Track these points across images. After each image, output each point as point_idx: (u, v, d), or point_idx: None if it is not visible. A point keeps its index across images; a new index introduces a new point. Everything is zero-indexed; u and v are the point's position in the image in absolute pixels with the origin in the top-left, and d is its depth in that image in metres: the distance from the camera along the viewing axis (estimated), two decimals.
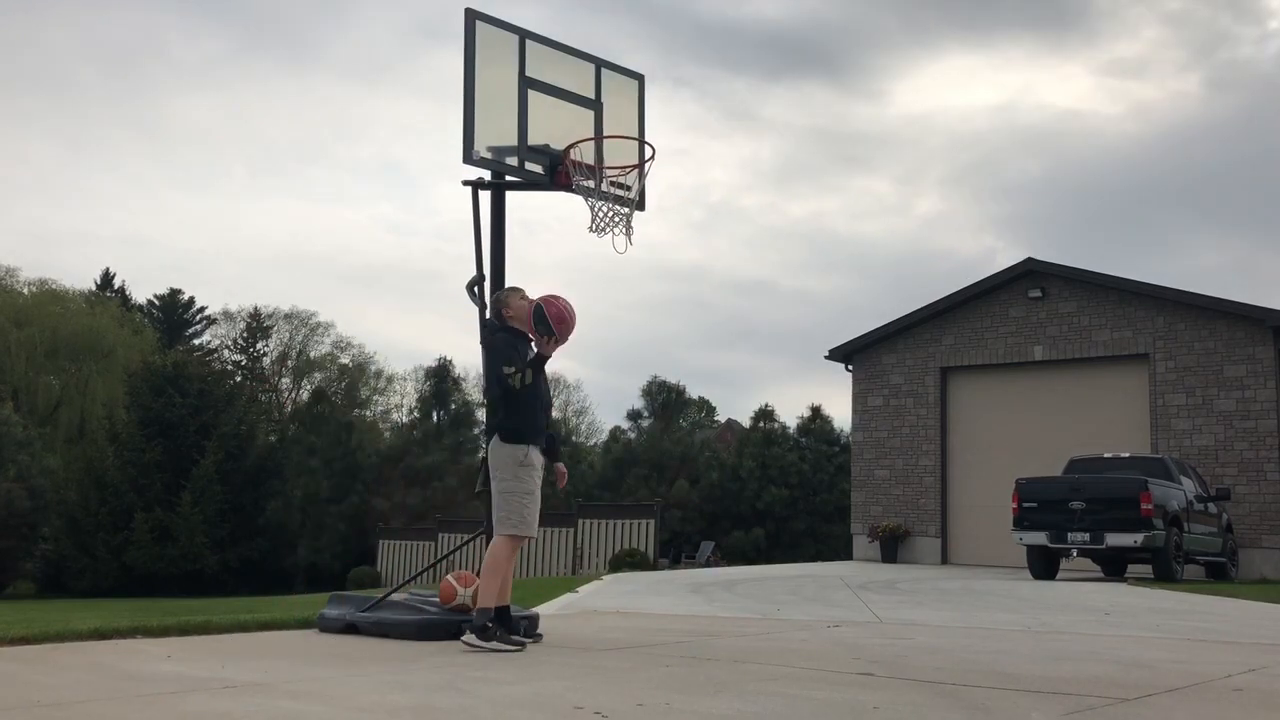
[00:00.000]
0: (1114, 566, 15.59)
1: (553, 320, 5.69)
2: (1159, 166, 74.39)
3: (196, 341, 53.19)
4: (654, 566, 19.93)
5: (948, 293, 20.91)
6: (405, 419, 44.02)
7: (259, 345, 52.71)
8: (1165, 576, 13.53)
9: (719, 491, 32.08)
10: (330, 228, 74.64)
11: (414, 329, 71.48)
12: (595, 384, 79.54)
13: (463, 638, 5.57)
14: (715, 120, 75.45)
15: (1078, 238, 76.61)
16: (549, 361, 5.89)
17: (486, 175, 6.54)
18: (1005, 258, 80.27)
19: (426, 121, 71.88)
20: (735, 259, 76.44)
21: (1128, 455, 15.62)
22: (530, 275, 65.90)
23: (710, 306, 74.40)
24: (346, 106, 73.61)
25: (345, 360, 52.74)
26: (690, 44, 75.09)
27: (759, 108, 74.64)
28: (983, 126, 73.42)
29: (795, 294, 75.75)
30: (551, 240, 73.97)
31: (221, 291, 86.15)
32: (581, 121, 6.88)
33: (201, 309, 55.05)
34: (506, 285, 6.37)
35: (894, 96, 73.12)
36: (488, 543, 6.39)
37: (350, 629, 6.20)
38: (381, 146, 75.79)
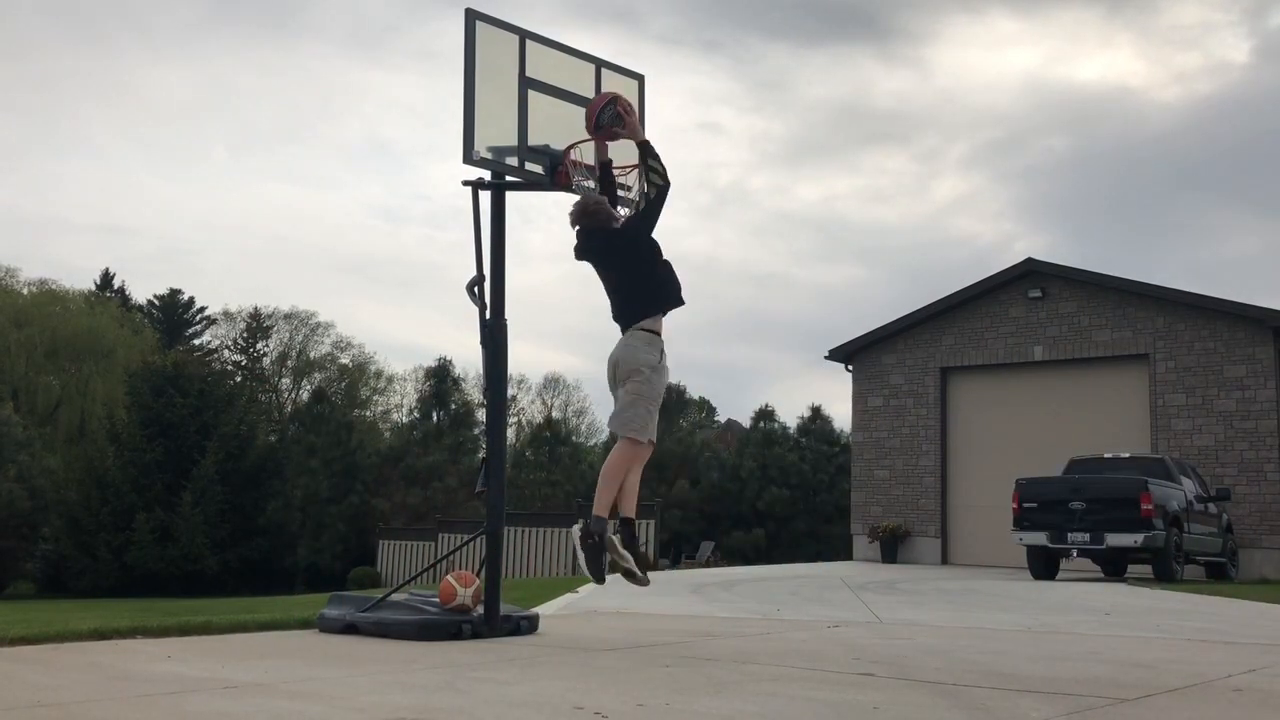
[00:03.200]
0: (1114, 567, 15.58)
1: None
2: (1197, 143, 70.86)
3: (196, 342, 53.26)
4: (654, 567, 19.92)
5: (950, 291, 20.94)
6: (405, 419, 44.08)
7: (259, 345, 52.75)
8: (1165, 577, 13.53)
9: (719, 492, 32.12)
10: (317, 214, 73.31)
11: (409, 321, 70.99)
12: (596, 382, 79.24)
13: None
14: (739, 93, 72.72)
15: (1102, 221, 73.74)
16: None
17: (486, 175, 6.54)
18: (1025, 245, 77.37)
19: (416, 97, 70.47)
20: (743, 247, 75.15)
21: (1128, 455, 15.63)
22: (525, 261, 65.40)
23: (715, 297, 73.45)
24: (331, 80, 71.50)
25: (345, 360, 52.80)
26: (716, 6, 72.27)
27: (781, 77, 72.11)
28: (1011, 100, 70.78)
29: (807, 283, 74.30)
30: (549, 226, 73.57)
31: (207, 281, 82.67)
32: (582, 121, 6.87)
33: (201, 309, 55.13)
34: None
35: (925, 65, 70.10)
36: (488, 543, 6.39)
37: (350, 629, 6.20)
38: (370, 125, 73.74)
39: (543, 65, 6.76)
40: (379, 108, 73.81)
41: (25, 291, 43.79)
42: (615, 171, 6.84)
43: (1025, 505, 14.18)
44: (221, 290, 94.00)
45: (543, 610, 7.78)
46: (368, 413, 49.49)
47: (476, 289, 6.46)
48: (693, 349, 65.37)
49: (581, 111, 6.95)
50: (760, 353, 74.69)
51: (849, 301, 72.98)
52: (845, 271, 75.45)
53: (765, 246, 75.39)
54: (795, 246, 75.55)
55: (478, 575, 6.43)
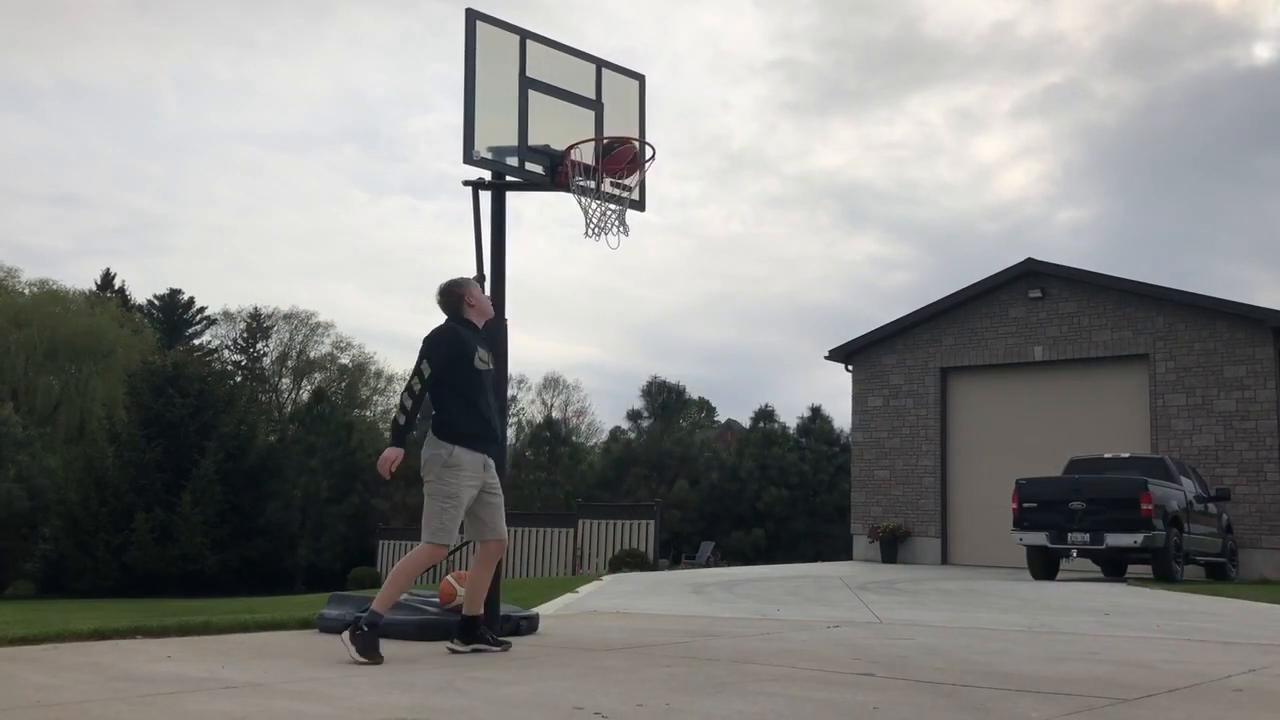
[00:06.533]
0: (1114, 567, 15.58)
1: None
2: None
3: (196, 342, 53.20)
4: (654, 567, 19.92)
5: (949, 292, 20.95)
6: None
7: (259, 345, 52.76)
8: (1165, 577, 13.52)
9: (719, 491, 32.10)
10: (298, 191, 70.95)
11: (396, 309, 70.29)
12: (595, 382, 78.93)
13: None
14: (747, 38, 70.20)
15: (1167, 187, 68.50)
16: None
17: (487, 175, 6.54)
18: (1066, 217, 73.03)
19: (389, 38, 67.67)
20: (757, 220, 72.94)
21: (1128, 455, 15.62)
22: (520, 244, 64.55)
23: (722, 278, 71.57)
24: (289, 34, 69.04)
25: (345, 360, 52.79)
26: None
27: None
28: (1074, 36, 67.01)
29: (823, 261, 72.49)
30: (545, 199, 72.75)
31: (179, 263, 75.28)
32: (582, 122, 6.88)
33: (201, 309, 55.09)
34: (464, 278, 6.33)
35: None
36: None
37: None
38: (339, 70, 71.56)
39: (543, 65, 6.77)
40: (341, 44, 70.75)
41: (25, 291, 43.77)
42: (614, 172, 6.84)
43: (1025, 505, 14.17)
44: (218, 284, 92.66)
45: (543, 610, 7.78)
46: (368, 413, 49.47)
47: None
48: (695, 331, 62.60)
49: (582, 111, 6.96)
50: (771, 339, 73.01)
51: (871, 285, 71.36)
52: (869, 247, 74.04)
53: (780, 219, 72.68)
54: (816, 220, 73.94)
55: None
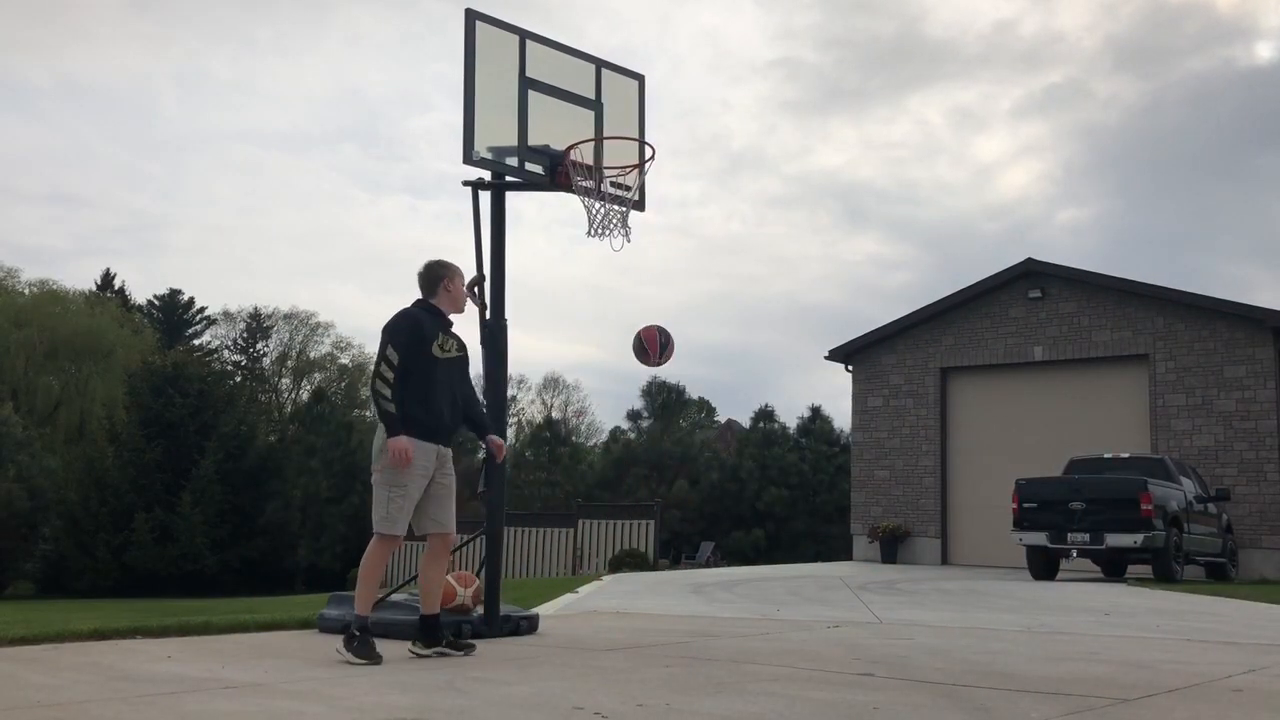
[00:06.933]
0: (1114, 567, 15.58)
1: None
2: None
3: (196, 342, 53.22)
4: (654, 567, 19.92)
5: (949, 292, 20.95)
6: None
7: (259, 345, 52.78)
8: (1165, 577, 13.52)
9: (719, 492, 32.11)
10: (297, 190, 70.91)
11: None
12: (595, 382, 78.91)
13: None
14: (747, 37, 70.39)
15: (1167, 187, 68.74)
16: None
17: (486, 175, 6.54)
18: (1067, 217, 73.16)
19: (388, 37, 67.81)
20: (757, 220, 72.99)
21: (1128, 455, 15.61)
22: (518, 244, 64.47)
23: (722, 278, 71.50)
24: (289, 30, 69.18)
25: (345, 360, 52.80)
26: None
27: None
28: (1075, 35, 67.28)
29: (823, 261, 72.58)
30: (545, 199, 72.77)
31: (179, 264, 74.56)
32: (582, 122, 6.88)
33: (202, 309, 55.11)
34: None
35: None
36: (488, 543, 6.39)
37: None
38: (338, 70, 71.63)
39: (543, 65, 6.77)
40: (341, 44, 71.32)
41: (25, 291, 43.76)
42: (614, 172, 6.84)
43: (1025, 505, 14.17)
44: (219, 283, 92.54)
45: (543, 610, 7.79)
46: (368, 413, 49.45)
47: (477, 289, 6.46)
48: (696, 330, 62.79)
49: (582, 111, 6.97)
50: (773, 339, 72.94)
51: (870, 285, 71.39)
52: (869, 248, 73.98)
53: (782, 219, 72.78)
54: (816, 220, 74.21)
55: (478, 575, 6.44)
